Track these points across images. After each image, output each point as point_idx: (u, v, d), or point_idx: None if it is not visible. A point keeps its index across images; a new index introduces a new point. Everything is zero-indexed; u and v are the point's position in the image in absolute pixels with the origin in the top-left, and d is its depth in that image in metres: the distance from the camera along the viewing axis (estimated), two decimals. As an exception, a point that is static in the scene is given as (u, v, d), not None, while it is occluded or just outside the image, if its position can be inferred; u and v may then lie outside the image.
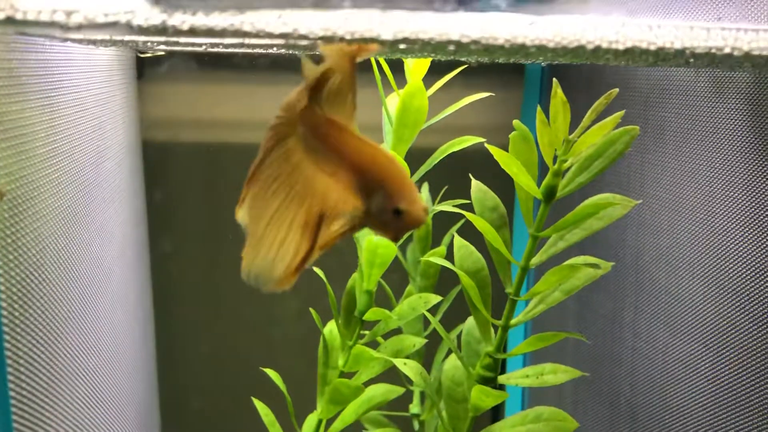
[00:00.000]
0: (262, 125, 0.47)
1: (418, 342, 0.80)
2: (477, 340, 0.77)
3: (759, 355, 0.66)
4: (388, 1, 0.42)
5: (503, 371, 0.77)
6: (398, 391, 0.82)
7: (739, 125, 0.69)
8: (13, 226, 0.56)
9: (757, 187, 0.66)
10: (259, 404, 0.83)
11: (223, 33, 0.41)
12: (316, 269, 0.80)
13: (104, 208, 0.85)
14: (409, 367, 0.76)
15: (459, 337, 0.79)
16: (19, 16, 0.39)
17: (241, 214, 0.46)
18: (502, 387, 0.75)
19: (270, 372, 0.83)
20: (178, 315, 1.24)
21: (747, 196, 0.68)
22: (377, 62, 0.76)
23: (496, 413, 1.23)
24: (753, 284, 0.67)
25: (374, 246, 0.76)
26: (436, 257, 0.77)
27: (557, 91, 0.65)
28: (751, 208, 0.67)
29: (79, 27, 0.39)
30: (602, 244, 0.94)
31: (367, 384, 0.79)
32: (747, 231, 0.68)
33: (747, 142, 0.68)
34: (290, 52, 0.60)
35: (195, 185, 1.20)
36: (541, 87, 1.15)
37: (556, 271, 0.68)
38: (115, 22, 0.40)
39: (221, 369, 1.27)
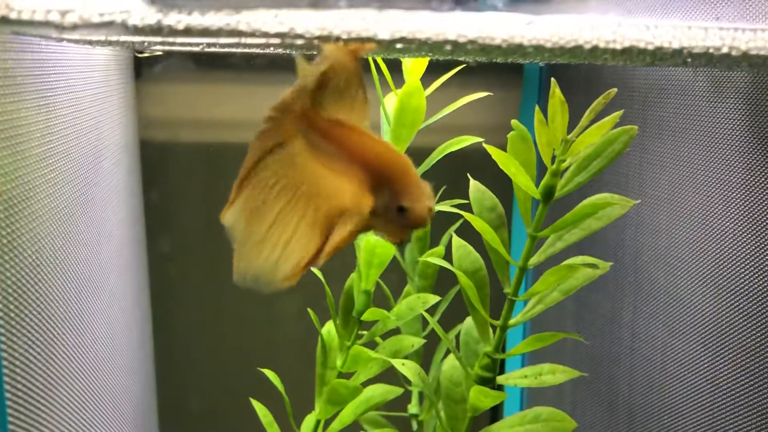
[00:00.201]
0: (260, 125, 0.47)
1: (417, 342, 0.80)
2: (475, 340, 0.77)
3: (757, 355, 0.66)
4: (384, 0, 0.42)
5: (502, 371, 0.77)
6: (396, 391, 0.82)
7: (738, 124, 0.69)
8: (9, 227, 0.56)
9: (755, 187, 0.66)
10: (257, 404, 0.82)
11: (219, 33, 0.41)
12: (314, 269, 0.79)
13: (101, 208, 0.85)
14: (408, 368, 0.75)
15: (457, 337, 0.79)
16: (13, 15, 0.39)
17: (230, 217, 0.45)
18: (500, 387, 0.75)
19: (268, 372, 0.83)
20: (176, 315, 1.24)
21: (745, 196, 0.68)
22: (375, 62, 0.76)
23: (495, 413, 1.23)
24: (751, 284, 0.67)
25: (372, 246, 0.76)
26: (434, 257, 0.77)
27: (555, 91, 0.65)
28: (749, 207, 0.67)
29: (74, 27, 0.39)
30: (601, 244, 0.94)
31: (365, 384, 0.79)
32: (745, 231, 0.68)
33: (745, 142, 0.67)
34: (287, 51, 0.59)
35: (193, 185, 1.20)
36: (539, 87, 1.15)
37: (554, 271, 0.68)
38: (110, 22, 0.39)
39: (219, 369, 1.27)
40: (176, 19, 0.40)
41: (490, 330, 0.75)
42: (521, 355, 1.07)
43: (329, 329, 0.82)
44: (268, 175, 0.45)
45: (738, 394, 0.68)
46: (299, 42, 0.43)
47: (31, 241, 0.60)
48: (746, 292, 0.67)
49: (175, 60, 1.13)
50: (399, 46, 0.43)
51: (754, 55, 0.46)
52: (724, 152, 0.70)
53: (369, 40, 0.42)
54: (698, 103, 0.75)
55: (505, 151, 0.68)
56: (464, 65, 0.79)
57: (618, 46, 0.44)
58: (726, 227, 0.70)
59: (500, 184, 0.77)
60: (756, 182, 0.66)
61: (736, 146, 0.69)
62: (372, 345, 0.82)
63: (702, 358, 0.74)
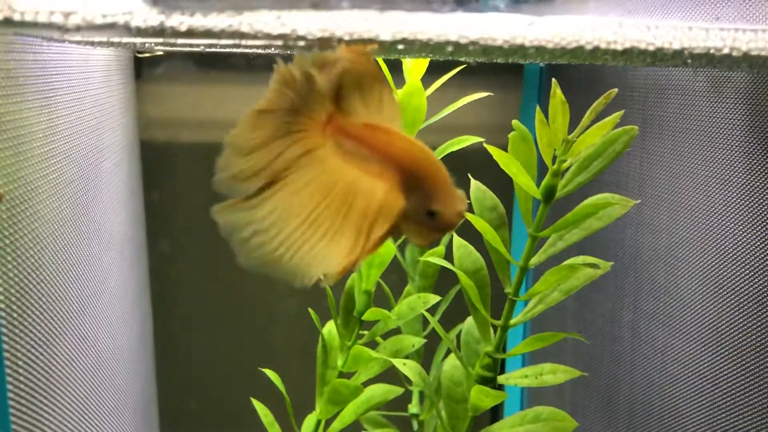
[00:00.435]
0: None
1: (417, 342, 0.80)
2: (476, 340, 0.77)
3: (758, 354, 0.66)
4: (386, 1, 0.42)
5: (502, 371, 0.77)
6: (397, 391, 0.82)
7: (738, 124, 0.69)
8: (11, 227, 0.56)
9: (755, 187, 0.66)
10: (258, 404, 0.83)
11: (221, 34, 0.41)
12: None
13: (102, 208, 0.85)
14: (408, 367, 0.75)
15: (458, 337, 0.79)
16: (16, 17, 0.39)
17: (224, 215, 0.46)
18: (501, 387, 0.75)
19: (269, 372, 0.83)
20: (176, 315, 1.24)
21: (745, 196, 0.68)
22: (375, 62, 0.76)
23: (496, 413, 1.23)
24: (752, 283, 0.67)
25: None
26: (435, 257, 0.77)
27: (556, 91, 0.65)
28: (749, 207, 0.67)
29: (77, 28, 0.39)
30: (601, 243, 0.94)
31: (366, 384, 0.79)
32: (746, 230, 0.68)
33: (746, 141, 0.68)
34: (288, 53, 0.60)
35: (193, 185, 1.20)
36: (540, 87, 1.15)
37: (555, 271, 0.68)
38: (113, 24, 0.39)
39: (220, 369, 1.27)
40: (179, 20, 0.40)
41: (491, 330, 0.75)
42: (522, 354, 1.07)
43: (330, 329, 0.82)
44: (299, 176, 0.45)
45: (738, 394, 0.68)
46: (301, 43, 0.43)
47: (33, 241, 0.60)
48: (747, 292, 0.67)
49: (176, 61, 1.13)
50: (401, 47, 0.43)
51: (754, 55, 0.46)
52: (724, 152, 0.71)
53: (371, 41, 0.42)
54: (698, 102, 0.75)
55: (506, 151, 0.68)
56: (465, 65, 0.79)
57: (619, 47, 0.44)
58: (726, 227, 0.70)
59: (501, 184, 0.77)
60: (756, 182, 0.66)
61: (736, 146, 0.69)
62: (373, 345, 0.82)
63: (702, 358, 0.74)
